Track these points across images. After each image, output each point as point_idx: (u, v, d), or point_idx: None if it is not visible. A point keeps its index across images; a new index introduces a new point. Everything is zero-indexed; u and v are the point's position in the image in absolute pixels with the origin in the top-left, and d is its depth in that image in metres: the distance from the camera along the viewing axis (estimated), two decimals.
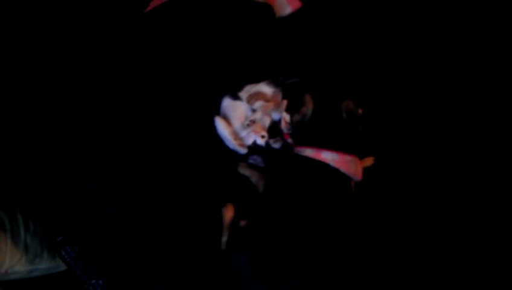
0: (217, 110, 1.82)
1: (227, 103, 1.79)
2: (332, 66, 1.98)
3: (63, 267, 1.74)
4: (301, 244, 1.41)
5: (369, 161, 1.68)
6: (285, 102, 1.76)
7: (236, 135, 1.72)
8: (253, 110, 1.76)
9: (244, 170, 1.67)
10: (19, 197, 1.72)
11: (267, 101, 1.76)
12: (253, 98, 1.76)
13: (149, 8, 2.21)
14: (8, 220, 1.65)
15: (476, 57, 1.92)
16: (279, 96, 1.79)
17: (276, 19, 2.13)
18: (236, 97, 1.78)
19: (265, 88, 1.80)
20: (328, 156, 1.51)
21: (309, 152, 1.54)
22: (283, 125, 1.71)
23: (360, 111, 1.62)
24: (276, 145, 1.69)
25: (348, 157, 1.53)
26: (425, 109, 1.86)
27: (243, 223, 1.46)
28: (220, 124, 1.74)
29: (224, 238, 1.48)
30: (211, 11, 2.09)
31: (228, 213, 1.53)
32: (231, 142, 1.71)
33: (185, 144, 1.72)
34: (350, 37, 2.07)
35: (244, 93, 1.79)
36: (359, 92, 1.81)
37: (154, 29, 2.04)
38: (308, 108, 1.60)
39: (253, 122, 1.69)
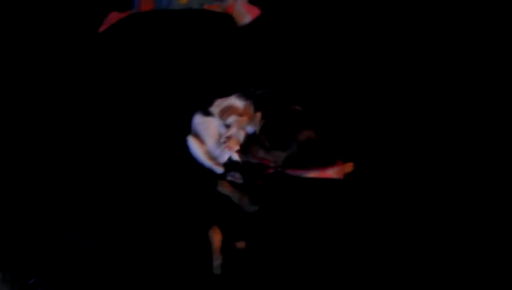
0: (187, 128, 1.75)
1: (198, 120, 1.73)
2: (295, 73, 1.94)
3: None
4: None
5: (348, 167, 1.65)
6: (259, 114, 1.71)
7: (210, 155, 1.66)
8: (227, 126, 1.70)
9: (223, 189, 1.61)
10: None
11: (240, 114, 1.71)
12: (225, 112, 1.70)
13: (104, 27, 2.13)
14: None
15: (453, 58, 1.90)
16: (252, 108, 1.74)
17: (238, 28, 2.09)
18: (207, 113, 1.72)
19: (236, 101, 1.74)
20: (332, 172, 1.50)
21: (314, 173, 1.51)
22: (261, 138, 1.66)
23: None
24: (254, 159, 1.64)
25: (340, 165, 1.52)
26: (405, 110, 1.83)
27: (240, 245, 1.40)
28: (192, 144, 1.68)
29: (217, 262, 1.41)
30: (170, 25, 2.03)
31: (216, 236, 1.46)
32: (206, 162, 1.65)
33: (159, 169, 1.65)
34: (312, 42, 2.04)
35: (215, 108, 1.73)
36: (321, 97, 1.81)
37: (112, 48, 1.95)
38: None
39: (229, 138, 1.63)
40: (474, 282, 1.41)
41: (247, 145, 1.59)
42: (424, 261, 1.46)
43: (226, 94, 1.78)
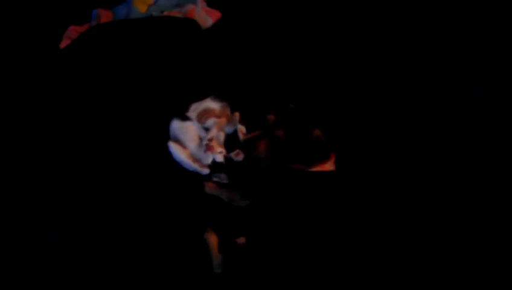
0: (166, 136, 1.76)
1: (176, 125, 1.74)
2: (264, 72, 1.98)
3: None
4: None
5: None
6: (237, 114, 1.75)
7: (194, 157, 1.69)
8: (206, 129, 1.73)
9: (211, 190, 1.64)
10: None
11: (218, 116, 1.74)
12: (203, 116, 1.73)
13: (65, 42, 2.09)
14: None
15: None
16: (228, 109, 1.77)
17: (202, 32, 2.11)
18: (185, 118, 1.73)
19: (212, 104, 1.77)
20: (328, 165, 1.59)
21: (315, 168, 1.58)
22: (241, 137, 1.70)
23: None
24: (239, 158, 1.68)
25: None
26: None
27: (241, 240, 1.43)
28: (175, 150, 1.69)
29: (217, 261, 1.44)
30: (134, 35, 2.02)
31: (212, 237, 1.49)
32: (191, 165, 1.67)
33: (144, 179, 1.65)
34: (275, 40, 2.09)
35: (192, 113, 1.75)
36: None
37: (78, 63, 1.93)
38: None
39: (211, 140, 1.66)
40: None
41: (251, 143, 1.64)
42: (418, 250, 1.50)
43: (199, 98, 1.80)
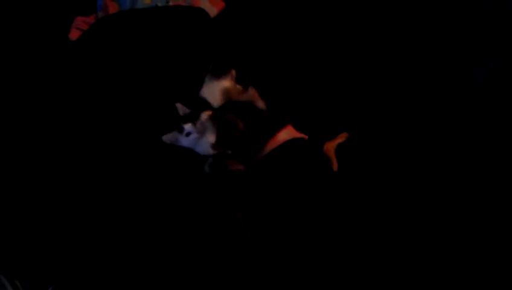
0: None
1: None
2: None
3: None
4: None
5: (342, 137, 1.72)
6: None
7: None
8: None
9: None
10: None
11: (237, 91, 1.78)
12: (226, 95, 1.76)
13: (75, 33, 2.11)
14: None
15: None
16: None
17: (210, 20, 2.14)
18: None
19: (224, 83, 1.79)
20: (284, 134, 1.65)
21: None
22: None
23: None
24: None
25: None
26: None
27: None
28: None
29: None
30: (145, 24, 2.04)
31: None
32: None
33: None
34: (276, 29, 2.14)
35: (210, 98, 1.78)
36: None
37: (94, 54, 1.94)
38: None
39: None
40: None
41: None
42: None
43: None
